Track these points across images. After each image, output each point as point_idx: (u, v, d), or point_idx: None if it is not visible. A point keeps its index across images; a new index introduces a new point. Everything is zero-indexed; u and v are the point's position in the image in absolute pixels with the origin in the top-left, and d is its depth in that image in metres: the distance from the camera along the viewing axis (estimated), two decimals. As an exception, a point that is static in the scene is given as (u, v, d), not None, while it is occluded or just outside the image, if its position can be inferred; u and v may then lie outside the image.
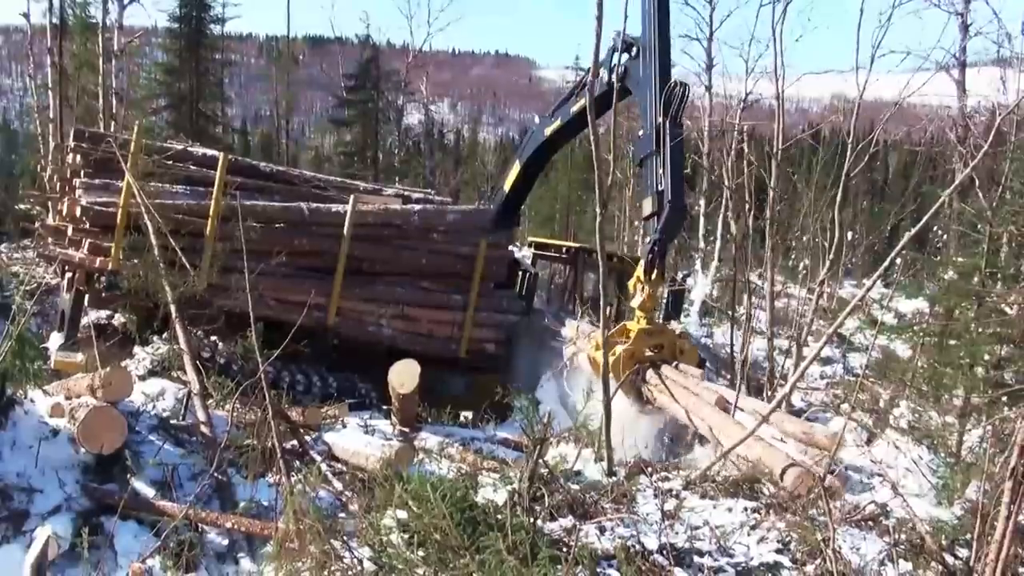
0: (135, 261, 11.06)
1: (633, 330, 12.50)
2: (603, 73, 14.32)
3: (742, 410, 10.30)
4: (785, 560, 6.21)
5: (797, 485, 7.61)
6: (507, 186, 17.19)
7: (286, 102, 39.03)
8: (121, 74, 27.61)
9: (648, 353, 12.45)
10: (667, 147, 12.46)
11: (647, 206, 12.95)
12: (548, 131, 16.39)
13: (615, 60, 14.19)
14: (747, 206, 15.95)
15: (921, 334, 12.32)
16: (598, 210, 9.46)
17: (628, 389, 11.92)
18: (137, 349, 11.47)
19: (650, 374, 12.15)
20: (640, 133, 13.32)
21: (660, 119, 12.72)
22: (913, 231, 8.85)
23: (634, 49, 13.88)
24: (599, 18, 9.27)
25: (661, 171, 12.42)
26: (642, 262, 12.53)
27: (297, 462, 8.19)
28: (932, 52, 20.72)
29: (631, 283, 12.80)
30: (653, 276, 12.42)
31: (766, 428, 9.19)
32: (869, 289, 8.89)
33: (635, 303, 12.73)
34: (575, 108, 15.19)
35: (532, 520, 5.68)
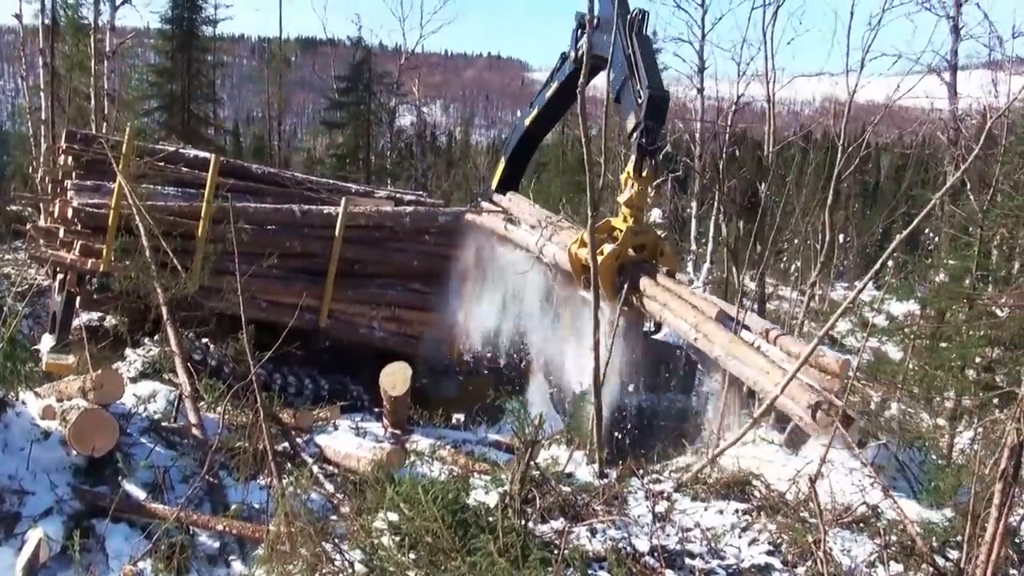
0: (127, 263, 11.05)
1: (619, 228, 12.08)
2: (570, 53, 14.20)
3: (748, 328, 10.17)
4: (776, 562, 6.23)
5: (827, 425, 7.54)
6: (495, 183, 17.18)
7: (278, 104, 39.00)
8: (113, 75, 27.54)
9: (632, 254, 12.14)
10: (638, 55, 12.12)
11: (630, 121, 12.53)
12: (527, 121, 16.34)
13: (581, 41, 14.05)
14: (738, 208, 15.98)
15: (912, 336, 12.35)
16: (590, 212, 9.47)
17: (613, 296, 11.62)
18: (128, 351, 11.46)
19: (646, 282, 11.79)
20: (611, 76, 12.97)
21: (629, 51, 12.38)
22: (904, 234, 8.84)
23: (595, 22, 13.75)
24: (590, 21, 9.30)
25: (639, 87, 12.05)
26: (632, 157, 12.16)
27: (288, 464, 8.18)
28: (923, 55, 20.81)
29: (622, 178, 12.39)
30: (644, 172, 12.01)
31: (773, 351, 9.24)
32: (860, 291, 8.92)
33: (622, 198, 12.35)
34: (549, 93, 15.12)
35: (523, 522, 5.68)
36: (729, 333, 10.32)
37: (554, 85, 14.70)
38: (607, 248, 11.60)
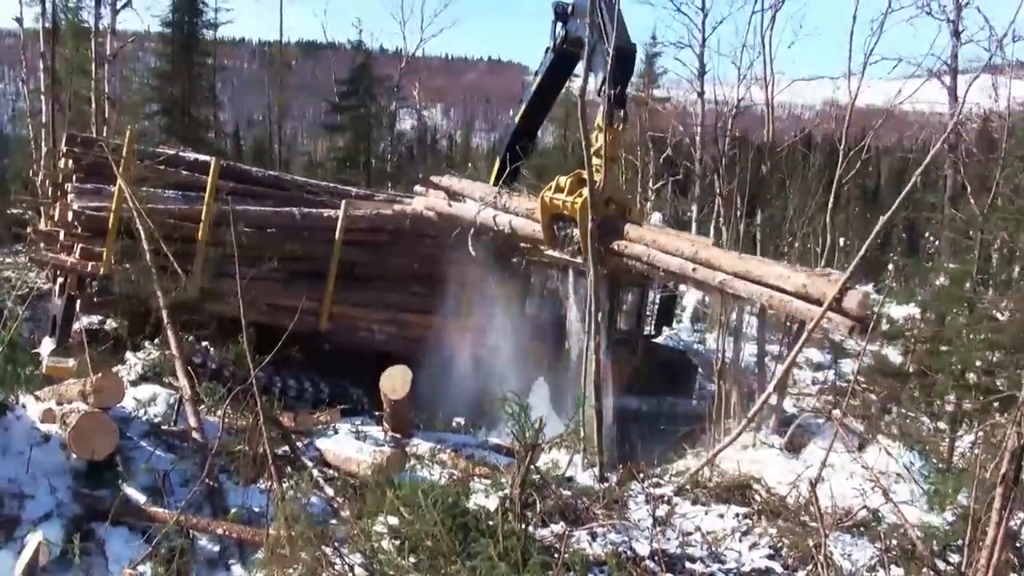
0: (127, 266, 11.04)
1: (594, 179, 12.19)
2: (550, 44, 14.27)
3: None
4: (776, 566, 6.22)
5: (863, 307, 7.49)
6: (491, 181, 17.18)
7: (279, 107, 39.07)
8: (113, 79, 27.56)
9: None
10: (605, 17, 12.21)
11: (600, 75, 12.55)
12: (517, 118, 16.39)
13: (557, 30, 14.10)
14: (739, 212, 15.99)
15: (913, 340, 12.35)
16: (590, 216, 9.48)
17: (588, 248, 11.66)
18: (129, 354, 11.44)
19: (629, 227, 11.85)
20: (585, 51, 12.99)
21: (599, 20, 12.46)
22: (884, 219, 8.77)
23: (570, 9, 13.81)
24: (591, 24, 9.31)
25: (607, 45, 12.09)
26: (602, 107, 12.25)
27: (288, 468, 8.17)
28: (924, 59, 20.83)
29: (592, 133, 12.53)
30: (614, 122, 12.10)
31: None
32: (846, 280, 8.83)
33: (592, 150, 12.48)
34: (535, 86, 15.17)
35: (523, 526, 5.68)
36: (734, 253, 10.36)
37: (539, 78, 14.77)
38: (585, 191, 11.69)
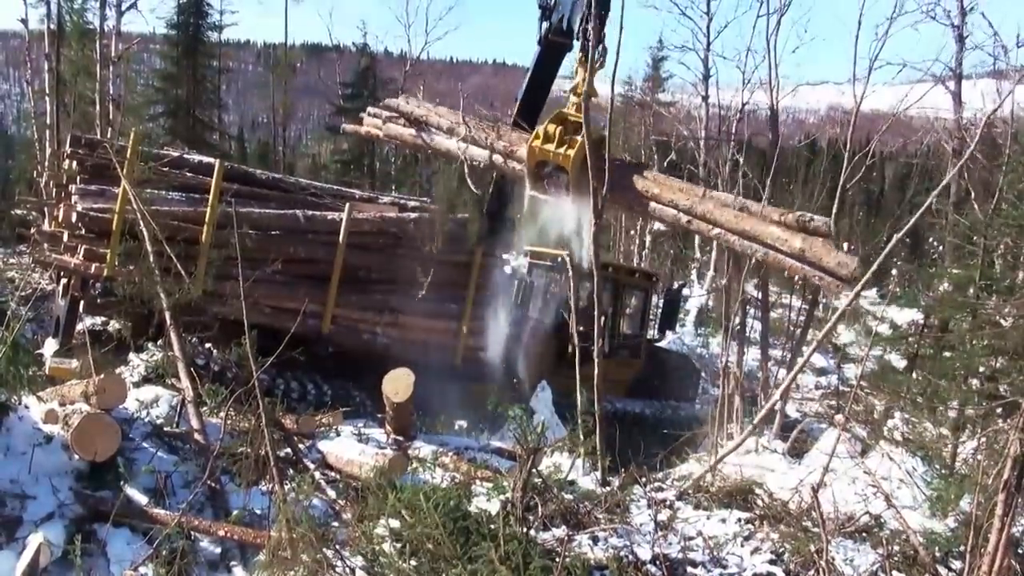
0: (130, 268, 11.04)
1: (575, 117, 12.18)
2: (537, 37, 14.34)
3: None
4: (778, 571, 6.22)
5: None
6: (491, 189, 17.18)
7: (283, 110, 39.06)
8: (118, 80, 27.62)
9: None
10: None
11: (579, 15, 12.66)
12: (513, 115, 16.43)
13: (543, 23, 14.15)
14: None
15: (916, 345, 12.33)
16: (593, 219, 9.48)
17: (581, 190, 11.72)
18: (132, 356, 11.44)
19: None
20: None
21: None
22: (899, 234, 8.81)
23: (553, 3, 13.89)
24: (595, 28, 9.31)
25: None
26: (579, 44, 12.40)
27: (291, 470, 8.18)
28: (930, 65, 20.77)
29: (575, 69, 12.67)
30: (592, 60, 12.18)
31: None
32: (857, 293, 8.86)
33: (570, 87, 12.61)
34: (526, 82, 15.20)
35: (525, 530, 5.67)
36: (733, 208, 10.47)
37: (529, 73, 14.83)
38: (578, 139, 11.75)
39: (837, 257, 10.17)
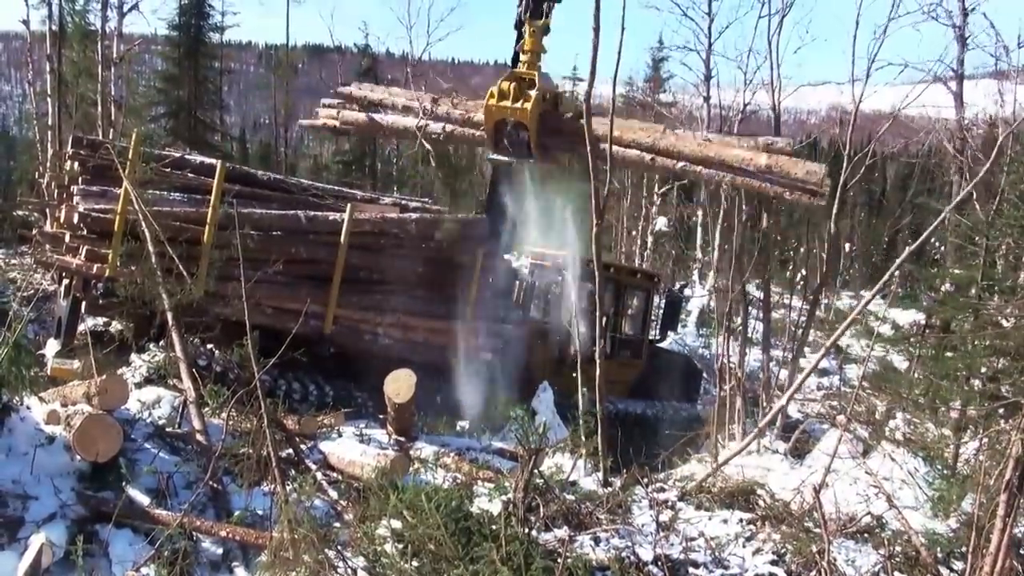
0: (132, 268, 11.04)
1: (529, 74, 12.66)
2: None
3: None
4: (780, 572, 6.22)
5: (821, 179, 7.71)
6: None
7: (284, 110, 39.03)
8: (120, 81, 27.63)
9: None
10: None
11: None
12: None
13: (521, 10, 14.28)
14: (744, 217, 15.96)
15: (918, 346, 12.32)
16: (595, 220, 9.48)
17: (538, 144, 11.94)
18: (133, 357, 11.45)
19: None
20: None
21: None
22: (913, 246, 8.86)
23: None
24: (596, 29, 9.30)
25: None
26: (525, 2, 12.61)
27: (292, 471, 8.18)
28: (931, 65, 20.77)
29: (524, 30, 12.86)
30: (541, 17, 12.43)
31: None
32: (868, 302, 8.91)
33: (519, 46, 12.77)
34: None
35: (527, 531, 5.68)
36: (696, 140, 10.63)
37: (512, 61, 14.97)
38: (533, 94, 11.94)
39: (804, 167, 10.49)
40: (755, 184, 10.68)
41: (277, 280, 12.48)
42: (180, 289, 10.08)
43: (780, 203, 11.62)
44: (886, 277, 8.53)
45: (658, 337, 20.50)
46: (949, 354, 10.74)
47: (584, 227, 11.39)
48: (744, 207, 14.72)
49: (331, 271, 13.32)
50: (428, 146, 13.42)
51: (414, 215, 14.52)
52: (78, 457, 7.02)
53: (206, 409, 8.86)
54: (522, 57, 12.80)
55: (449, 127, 13.24)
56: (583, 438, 9.62)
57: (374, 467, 8.06)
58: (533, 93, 12.05)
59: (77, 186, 12.66)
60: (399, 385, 9.78)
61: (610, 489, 8.32)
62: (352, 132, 15.63)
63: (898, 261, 8.59)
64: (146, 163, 12.19)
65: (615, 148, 11.79)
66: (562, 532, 6.21)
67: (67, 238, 12.49)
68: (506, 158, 12.80)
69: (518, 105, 12.18)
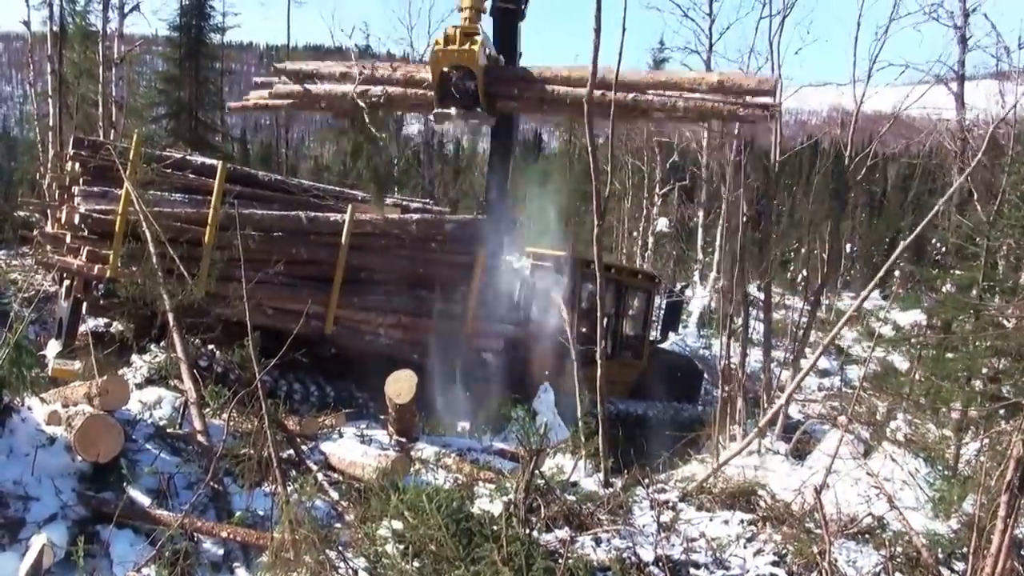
0: (133, 269, 11.04)
1: (471, 30, 12.88)
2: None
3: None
4: (781, 573, 6.22)
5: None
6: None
7: (285, 111, 39.02)
8: (121, 82, 27.65)
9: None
10: None
11: None
12: None
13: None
14: (745, 218, 15.97)
15: (919, 346, 12.32)
16: (596, 221, 9.48)
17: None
18: (134, 357, 11.46)
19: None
20: None
21: None
22: (908, 240, 8.85)
23: None
24: (597, 30, 9.30)
25: None
26: None
27: (293, 471, 8.19)
28: (931, 65, 20.79)
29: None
30: None
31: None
32: (865, 298, 8.91)
33: (456, 4, 13.07)
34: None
35: (528, 531, 5.68)
36: (640, 70, 10.98)
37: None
38: (478, 38, 12.57)
39: (756, 78, 11.35)
40: (708, 105, 10.93)
41: (278, 281, 12.49)
42: (181, 290, 10.08)
43: (731, 121, 11.97)
44: (882, 271, 8.51)
45: (659, 338, 20.50)
46: (950, 355, 10.75)
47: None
48: (744, 208, 14.74)
49: (332, 272, 13.33)
50: (364, 105, 13.42)
51: (415, 216, 14.53)
52: (79, 458, 7.02)
53: (207, 410, 8.86)
54: (463, 13, 13.03)
55: (390, 89, 13.30)
56: (584, 439, 9.62)
57: (375, 468, 8.06)
58: (479, 38, 12.33)
59: (78, 187, 12.67)
60: (400, 386, 9.78)
61: (611, 490, 8.31)
62: (287, 107, 15.57)
63: (895, 254, 8.57)
64: (147, 164, 12.20)
65: (565, 89, 12.05)
66: (563, 533, 6.21)
67: (68, 239, 12.50)
68: (453, 110, 12.93)
69: (465, 47, 12.42)
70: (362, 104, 13.34)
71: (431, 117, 13.20)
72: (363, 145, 14.72)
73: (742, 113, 11.24)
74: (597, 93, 10.52)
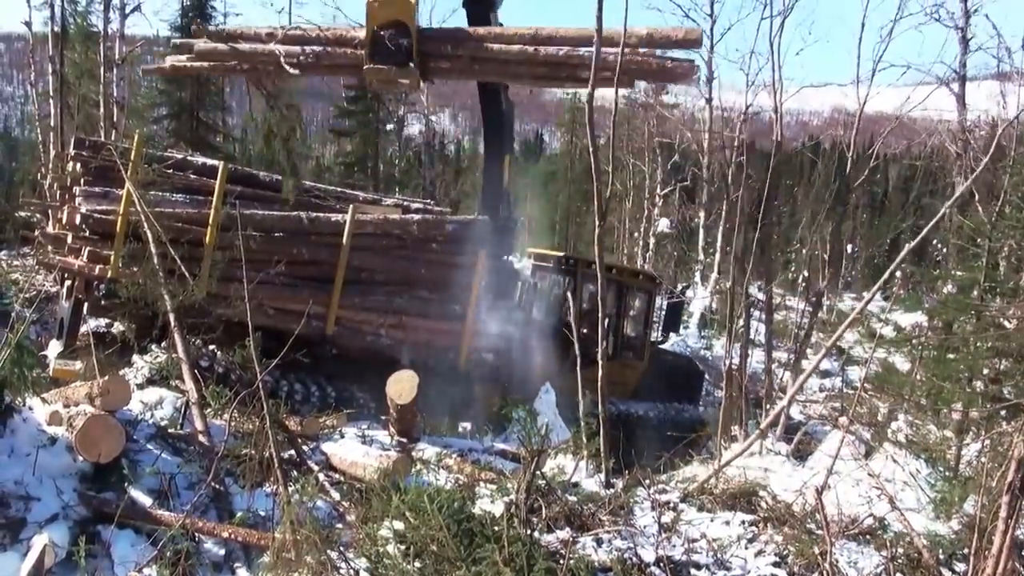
0: (134, 269, 11.05)
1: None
2: None
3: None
4: (782, 573, 6.22)
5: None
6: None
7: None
8: (122, 83, 27.65)
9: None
10: None
11: None
12: None
13: None
14: (746, 218, 15.97)
15: (920, 347, 12.32)
16: (597, 222, 9.48)
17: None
18: (136, 357, 11.47)
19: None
20: None
21: None
22: (912, 244, 8.86)
23: None
24: (599, 31, 9.31)
25: None
26: None
27: (294, 472, 8.19)
28: (933, 66, 20.79)
29: None
30: None
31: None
32: (868, 301, 8.89)
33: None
34: None
35: (529, 532, 5.68)
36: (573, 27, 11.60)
37: None
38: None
39: (683, 29, 12.20)
40: (636, 59, 11.48)
41: (279, 281, 12.50)
42: (182, 290, 10.09)
43: (660, 78, 12.71)
44: (887, 275, 8.52)
45: (660, 338, 20.50)
46: (951, 356, 10.74)
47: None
48: (745, 208, 14.73)
49: (333, 272, 13.34)
50: (289, 67, 13.44)
51: (416, 216, 14.53)
52: (80, 458, 7.02)
53: (208, 410, 8.87)
54: None
55: (319, 48, 13.34)
56: (585, 439, 9.61)
57: (376, 468, 8.07)
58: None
59: (79, 187, 12.68)
60: (401, 386, 9.78)
61: (612, 491, 8.31)
62: (207, 70, 15.49)
63: (899, 258, 8.57)
64: (148, 164, 12.22)
65: (499, 47, 12.36)
66: (564, 533, 6.20)
67: (69, 239, 12.52)
68: (385, 67, 12.98)
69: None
70: (287, 66, 13.30)
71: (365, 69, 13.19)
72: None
73: (670, 67, 11.80)
74: (502, 47, 11.00)
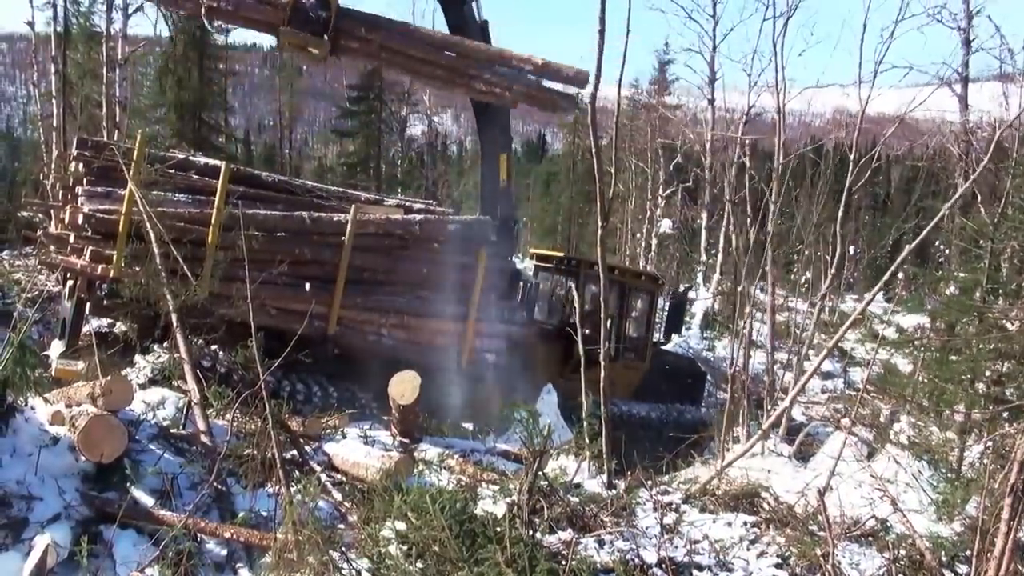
0: (137, 269, 11.05)
1: None
2: None
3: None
4: (784, 575, 6.21)
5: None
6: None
7: (289, 112, 39.14)
8: (124, 83, 27.67)
9: None
10: None
11: None
12: None
13: None
14: (748, 219, 15.97)
15: (922, 349, 12.32)
16: (599, 222, 9.47)
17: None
18: (138, 358, 11.47)
19: None
20: None
21: None
22: (913, 244, 8.85)
23: None
24: (601, 32, 9.30)
25: None
26: None
27: (296, 472, 8.18)
28: (935, 68, 20.80)
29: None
30: None
31: None
32: (869, 302, 8.90)
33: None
34: None
35: (531, 533, 5.67)
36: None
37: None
38: None
39: (575, 68, 13.58)
40: (532, 87, 13.11)
41: (281, 281, 12.50)
42: (184, 290, 10.08)
43: (544, 108, 14.49)
44: (888, 275, 8.51)
45: (662, 339, 20.50)
46: (953, 357, 10.74)
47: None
48: (748, 209, 14.73)
49: (335, 272, 13.35)
50: (210, 25, 13.98)
51: (418, 216, 14.53)
52: (82, 458, 7.02)
53: (210, 410, 8.86)
54: None
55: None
56: (587, 440, 9.61)
57: (378, 469, 8.06)
58: None
59: (82, 187, 12.69)
60: (404, 387, 9.77)
61: (614, 492, 8.30)
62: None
63: (900, 258, 8.57)
64: (151, 164, 12.21)
65: (407, 43, 13.10)
66: (566, 534, 6.20)
67: (71, 239, 12.52)
68: (300, 34, 13.34)
69: None
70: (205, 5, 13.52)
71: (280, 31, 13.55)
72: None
73: (551, 99, 13.71)
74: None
